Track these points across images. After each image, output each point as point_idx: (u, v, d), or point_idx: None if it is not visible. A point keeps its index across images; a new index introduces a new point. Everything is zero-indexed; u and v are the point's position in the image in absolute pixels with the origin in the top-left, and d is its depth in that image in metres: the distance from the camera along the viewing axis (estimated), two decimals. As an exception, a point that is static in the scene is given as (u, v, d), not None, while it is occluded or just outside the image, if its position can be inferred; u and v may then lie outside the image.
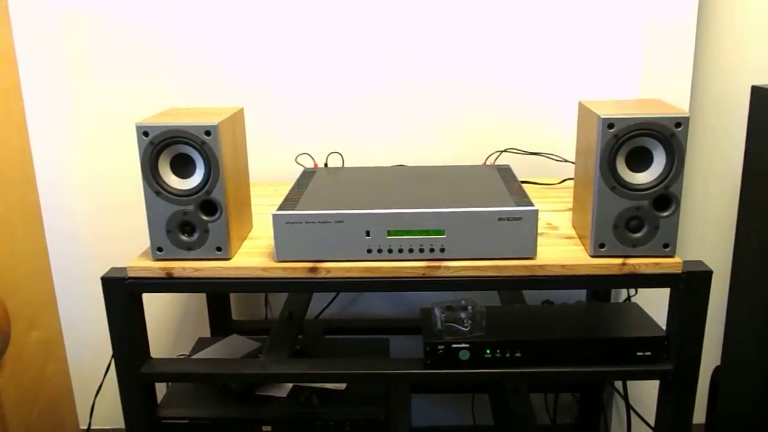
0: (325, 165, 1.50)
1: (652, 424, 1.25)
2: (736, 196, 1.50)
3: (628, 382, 1.57)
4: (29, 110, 1.64)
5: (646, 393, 1.65)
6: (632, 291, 1.53)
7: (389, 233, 1.10)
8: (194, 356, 1.46)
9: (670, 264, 1.09)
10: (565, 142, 1.61)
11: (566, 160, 1.56)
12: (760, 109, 1.40)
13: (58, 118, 1.65)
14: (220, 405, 1.34)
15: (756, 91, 1.41)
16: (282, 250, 1.11)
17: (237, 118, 1.18)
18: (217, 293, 1.63)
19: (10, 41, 1.56)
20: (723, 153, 1.65)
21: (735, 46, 1.58)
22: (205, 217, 1.11)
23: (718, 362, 1.64)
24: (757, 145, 1.42)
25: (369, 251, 1.10)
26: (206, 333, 1.70)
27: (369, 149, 1.65)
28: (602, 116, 1.04)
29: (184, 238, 1.12)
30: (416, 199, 1.17)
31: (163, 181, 1.09)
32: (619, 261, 1.10)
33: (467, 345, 1.15)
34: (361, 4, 1.57)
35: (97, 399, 1.50)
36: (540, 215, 1.16)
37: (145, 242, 1.15)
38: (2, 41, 1.52)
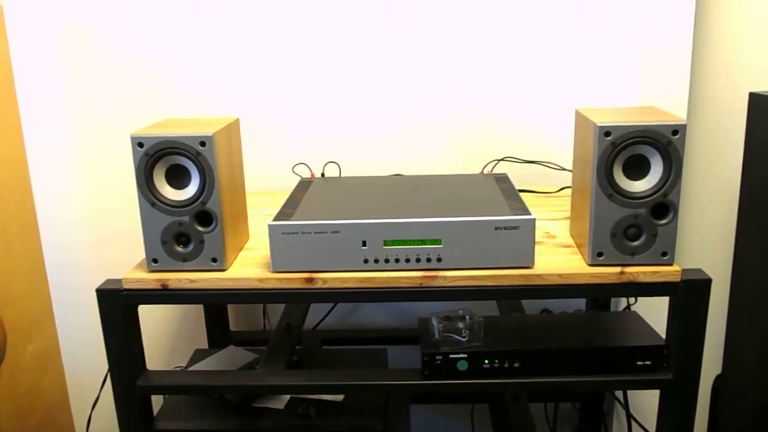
0: (322, 175, 1.49)
1: (653, 433, 1.24)
2: (736, 203, 1.49)
3: (629, 391, 1.56)
4: (25, 120, 1.64)
5: (647, 402, 1.64)
6: (632, 299, 1.52)
7: (386, 243, 1.09)
8: (191, 368, 1.45)
9: (669, 272, 1.08)
10: (563, 151, 1.60)
11: (564, 169, 1.56)
12: (757, 116, 1.40)
13: (54, 129, 1.65)
14: (216, 417, 1.33)
15: (754, 98, 1.41)
16: (278, 261, 1.10)
17: (232, 129, 1.18)
18: (214, 304, 1.63)
19: (7, 55, 1.56)
20: (721, 160, 1.64)
21: (732, 52, 1.58)
22: (200, 228, 1.10)
23: (719, 370, 1.63)
24: (755, 151, 1.41)
25: (365, 261, 1.10)
26: (204, 344, 1.69)
27: (366, 159, 1.64)
28: (599, 124, 1.04)
29: (179, 249, 1.11)
30: (413, 208, 1.16)
31: (158, 192, 1.09)
32: (617, 270, 1.09)
33: (465, 355, 1.14)
34: (358, 14, 1.57)
35: (93, 411, 1.49)
36: (538, 224, 1.15)
37: (142, 253, 1.14)
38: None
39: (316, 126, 1.64)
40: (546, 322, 1.27)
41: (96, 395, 1.45)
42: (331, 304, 1.73)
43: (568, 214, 1.30)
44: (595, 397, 1.68)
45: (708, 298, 1.10)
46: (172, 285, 1.11)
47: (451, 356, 1.14)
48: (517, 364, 1.14)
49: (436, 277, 1.09)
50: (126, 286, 1.12)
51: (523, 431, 1.45)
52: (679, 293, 1.09)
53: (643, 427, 1.57)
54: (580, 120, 1.14)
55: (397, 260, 1.10)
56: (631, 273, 1.09)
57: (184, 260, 1.11)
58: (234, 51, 1.60)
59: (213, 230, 1.10)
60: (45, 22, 1.58)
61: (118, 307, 1.12)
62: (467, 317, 1.18)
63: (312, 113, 1.63)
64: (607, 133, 1.04)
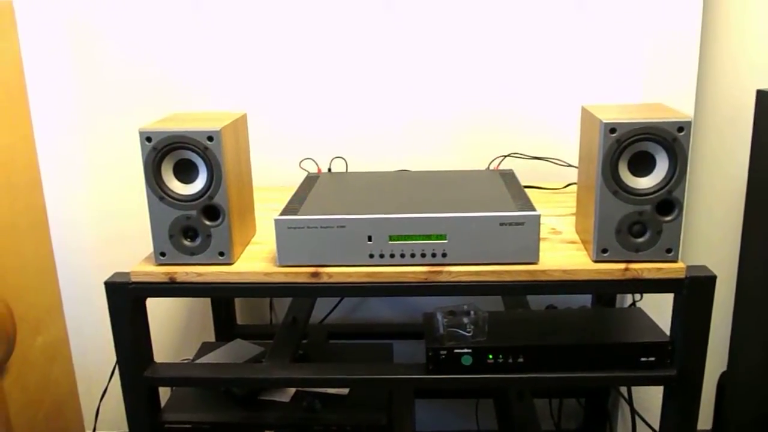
0: (329, 170, 1.50)
1: (658, 429, 1.24)
2: (742, 200, 1.49)
3: (634, 387, 1.56)
4: (35, 115, 1.65)
5: (651, 398, 1.64)
6: (637, 296, 1.52)
7: (391, 238, 1.10)
8: (198, 360, 1.47)
9: (673, 269, 1.09)
10: (569, 147, 1.60)
11: (570, 165, 1.56)
12: (765, 113, 1.39)
13: (64, 125, 1.66)
14: (223, 410, 1.34)
15: (761, 95, 1.40)
16: (284, 255, 1.11)
17: (240, 124, 1.19)
18: (221, 298, 1.64)
19: (18, 54, 1.57)
20: (728, 157, 1.64)
21: (740, 49, 1.58)
22: (207, 222, 1.11)
23: (724, 367, 1.63)
24: (762, 149, 1.41)
25: (371, 256, 1.10)
26: (210, 337, 1.70)
27: (372, 154, 1.65)
28: (604, 121, 1.04)
29: (187, 243, 1.12)
30: (418, 204, 1.17)
31: (166, 187, 1.10)
32: (622, 266, 1.09)
33: (470, 350, 1.14)
34: (364, 10, 1.57)
35: (102, 403, 1.51)
36: (543, 220, 1.15)
37: (150, 250, 1.15)
38: (9, 50, 1.53)
39: (323, 121, 1.64)
40: (551, 318, 1.28)
41: (104, 387, 1.46)
42: (337, 299, 1.73)
43: (574, 210, 1.30)
44: (600, 393, 1.68)
45: (712, 295, 1.10)
46: (179, 278, 1.12)
47: (456, 351, 1.14)
48: (521, 360, 1.15)
49: (441, 272, 1.10)
50: (134, 279, 1.13)
51: (528, 427, 1.46)
52: (684, 290, 1.09)
53: (647, 423, 1.57)
54: (586, 117, 1.14)
55: (402, 255, 1.10)
56: (635, 269, 1.09)
57: (192, 254, 1.12)
58: (242, 47, 1.60)
59: (220, 224, 1.11)
60: (54, 21, 1.59)
61: (126, 299, 1.13)
62: (472, 312, 1.18)
63: (319, 109, 1.64)
64: (613, 130, 1.04)
